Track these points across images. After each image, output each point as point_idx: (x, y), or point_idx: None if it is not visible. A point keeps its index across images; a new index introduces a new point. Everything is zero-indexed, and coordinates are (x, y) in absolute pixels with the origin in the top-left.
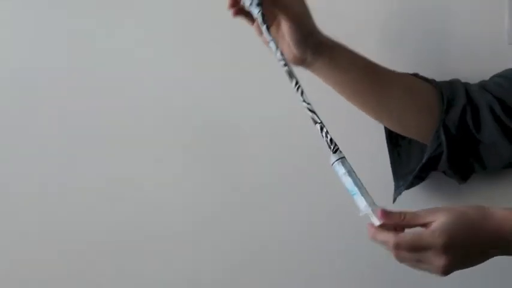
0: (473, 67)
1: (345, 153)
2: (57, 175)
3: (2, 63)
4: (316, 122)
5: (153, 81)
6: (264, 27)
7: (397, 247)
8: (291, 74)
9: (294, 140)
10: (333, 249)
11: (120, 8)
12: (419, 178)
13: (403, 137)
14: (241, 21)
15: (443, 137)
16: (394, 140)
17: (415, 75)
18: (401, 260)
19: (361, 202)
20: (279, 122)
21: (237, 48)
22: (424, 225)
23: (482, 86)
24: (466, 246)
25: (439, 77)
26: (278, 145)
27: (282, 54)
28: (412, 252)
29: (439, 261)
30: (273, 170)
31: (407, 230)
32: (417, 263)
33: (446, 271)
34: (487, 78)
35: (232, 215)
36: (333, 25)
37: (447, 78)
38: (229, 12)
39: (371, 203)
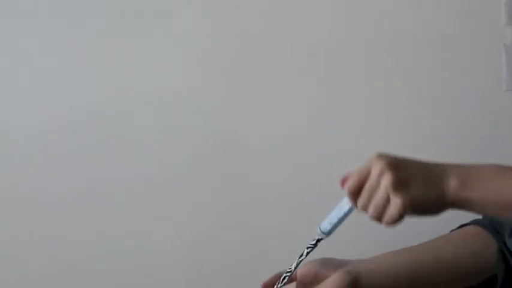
0: (472, 114)
1: None
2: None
3: None
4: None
5: (163, 95)
6: None
7: (349, 188)
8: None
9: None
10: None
11: (129, 18)
12: None
13: None
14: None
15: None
16: None
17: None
18: (362, 205)
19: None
20: (288, 136)
21: (249, 64)
22: None
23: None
24: (402, 157)
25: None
26: (286, 160)
27: None
28: (361, 184)
29: (379, 165)
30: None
31: None
32: (372, 194)
33: (393, 179)
34: (484, 125)
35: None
36: None
37: (446, 125)
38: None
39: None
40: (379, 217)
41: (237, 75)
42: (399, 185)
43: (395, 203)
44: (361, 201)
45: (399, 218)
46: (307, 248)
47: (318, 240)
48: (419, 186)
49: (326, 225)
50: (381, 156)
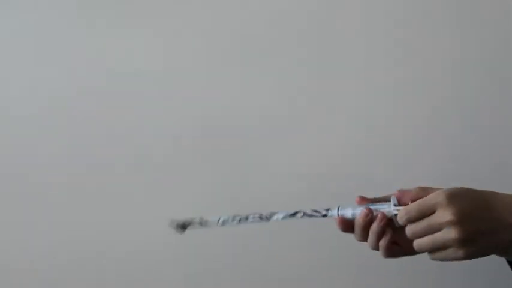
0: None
1: None
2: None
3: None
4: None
5: (159, 87)
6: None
7: (407, 213)
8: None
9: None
10: (341, 253)
11: (125, 10)
12: None
13: None
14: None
15: None
16: None
17: None
18: (413, 234)
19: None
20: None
21: (244, 54)
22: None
23: None
24: (474, 204)
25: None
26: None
27: None
28: (421, 216)
29: (448, 216)
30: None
31: None
32: (430, 233)
33: (461, 236)
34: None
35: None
36: None
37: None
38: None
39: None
40: (429, 251)
41: (225, 63)
42: (465, 241)
43: (456, 254)
44: (414, 231)
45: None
46: (305, 214)
47: (324, 216)
48: (485, 243)
49: (348, 215)
50: (453, 200)
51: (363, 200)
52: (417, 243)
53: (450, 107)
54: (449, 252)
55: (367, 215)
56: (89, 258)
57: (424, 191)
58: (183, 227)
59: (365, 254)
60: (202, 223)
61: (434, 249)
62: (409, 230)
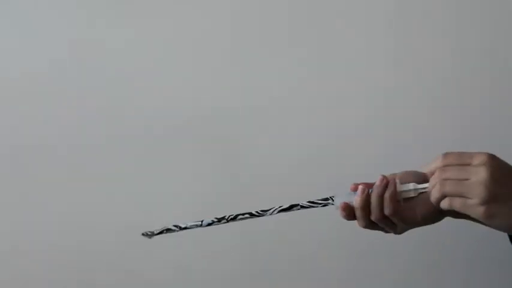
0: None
1: None
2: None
3: None
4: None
5: (155, 78)
6: None
7: (447, 154)
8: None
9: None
10: (339, 243)
11: (119, 6)
12: None
13: None
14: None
15: None
16: None
17: None
18: (445, 172)
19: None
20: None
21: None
22: None
23: None
24: (510, 169)
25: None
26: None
27: None
28: (460, 157)
29: (483, 157)
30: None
31: None
32: (461, 171)
33: (488, 175)
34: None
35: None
36: None
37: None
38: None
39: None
40: (446, 194)
41: (225, 63)
42: (490, 198)
43: (477, 210)
44: (445, 170)
45: (462, 207)
46: (301, 205)
47: (325, 206)
48: (508, 209)
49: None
50: (492, 156)
51: (358, 186)
52: (442, 183)
53: (450, 107)
54: (470, 203)
55: (364, 190)
56: (84, 253)
57: (408, 174)
58: (153, 233)
59: (364, 252)
60: (181, 228)
61: (455, 192)
62: (441, 170)
